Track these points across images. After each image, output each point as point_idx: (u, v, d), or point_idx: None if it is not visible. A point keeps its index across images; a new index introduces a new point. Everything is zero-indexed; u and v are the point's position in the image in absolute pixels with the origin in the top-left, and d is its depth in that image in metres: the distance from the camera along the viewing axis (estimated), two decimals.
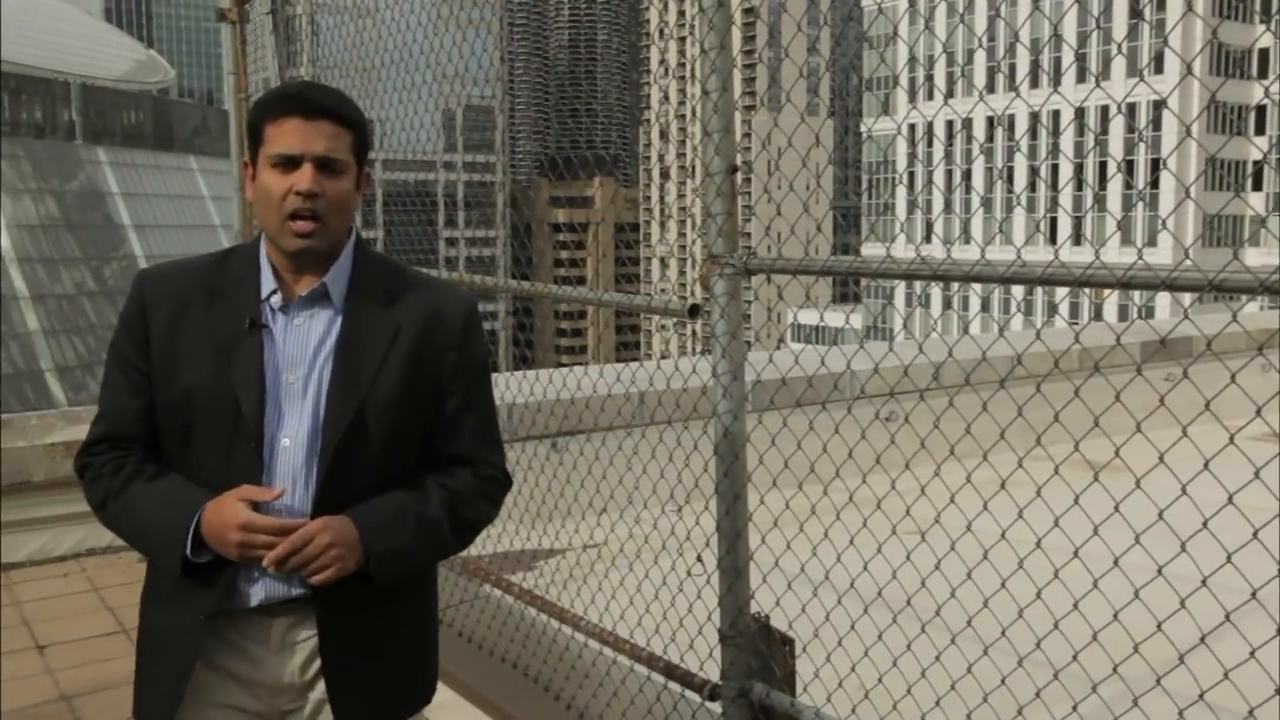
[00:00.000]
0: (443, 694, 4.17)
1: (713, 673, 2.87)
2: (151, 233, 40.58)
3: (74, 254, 38.30)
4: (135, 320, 1.98)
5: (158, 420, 1.98)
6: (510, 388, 5.18)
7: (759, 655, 2.74)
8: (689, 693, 2.97)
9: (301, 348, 1.96)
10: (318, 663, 1.99)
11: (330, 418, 1.93)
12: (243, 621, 1.97)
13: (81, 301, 37.72)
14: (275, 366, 1.93)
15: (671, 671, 3.02)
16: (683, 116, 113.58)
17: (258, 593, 1.96)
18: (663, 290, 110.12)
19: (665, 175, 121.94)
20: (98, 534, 5.56)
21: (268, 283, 1.97)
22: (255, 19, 5.16)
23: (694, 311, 2.73)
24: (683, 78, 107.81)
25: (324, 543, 1.87)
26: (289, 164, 1.91)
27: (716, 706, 2.85)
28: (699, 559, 3.24)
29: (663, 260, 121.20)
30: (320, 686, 2.00)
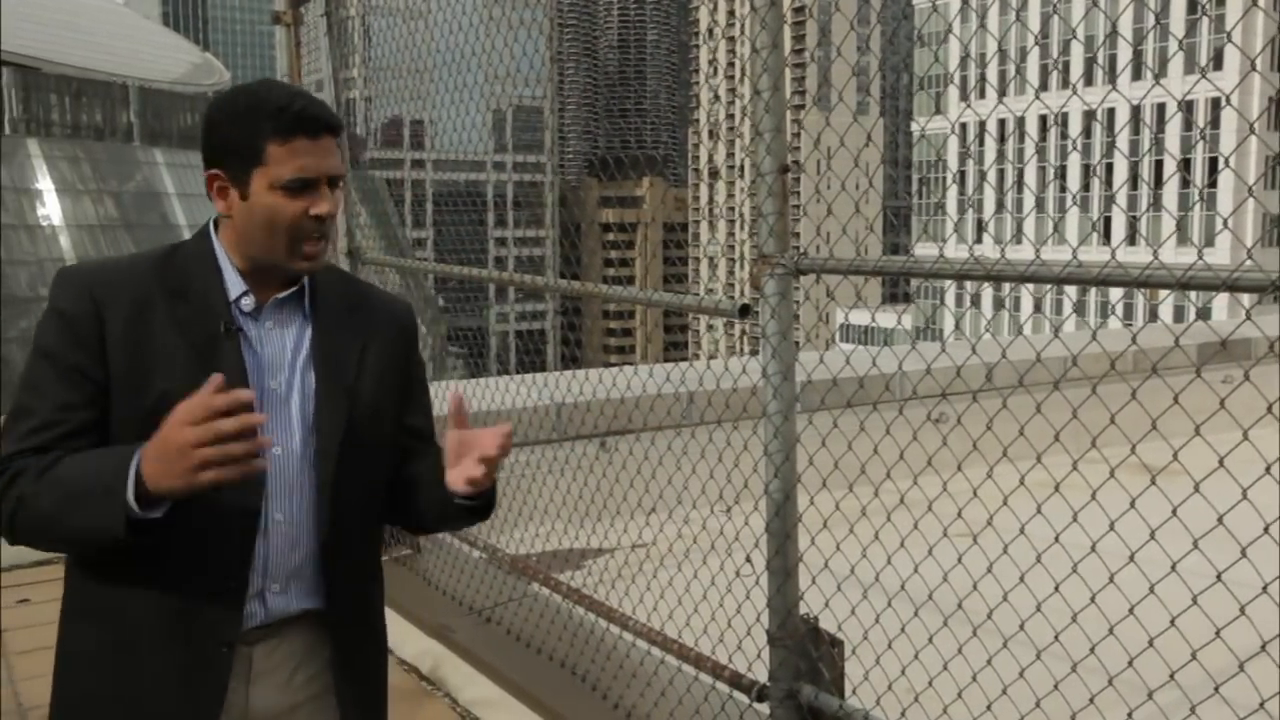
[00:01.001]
0: (491, 691, 4.20)
1: (761, 674, 2.86)
2: None
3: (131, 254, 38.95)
4: (85, 323, 1.75)
5: (115, 433, 1.75)
6: (559, 387, 5.20)
7: (808, 657, 2.73)
8: (737, 693, 2.97)
9: (279, 353, 1.87)
10: (295, 697, 1.91)
11: (323, 425, 1.87)
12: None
13: None
14: (258, 372, 1.83)
15: (719, 672, 3.01)
16: (732, 116, 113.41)
17: (258, 613, 1.85)
18: (711, 290, 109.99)
19: (714, 175, 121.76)
20: None
21: (235, 285, 1.84)
22: (309, 21, 5.22)
23: (744, 311, 2.72)
24: (732, 77, 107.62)
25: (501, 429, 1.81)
26: (302, 187, 1.79)
27: (765, 708, 2.84)
28: (748, 559, 3.23)
29: (711, 260, 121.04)
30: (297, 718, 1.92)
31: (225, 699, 1.80)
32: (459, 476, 1.81)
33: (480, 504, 1.90)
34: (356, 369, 1.93)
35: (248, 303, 1.84)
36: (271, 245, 1.81)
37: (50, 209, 37.64)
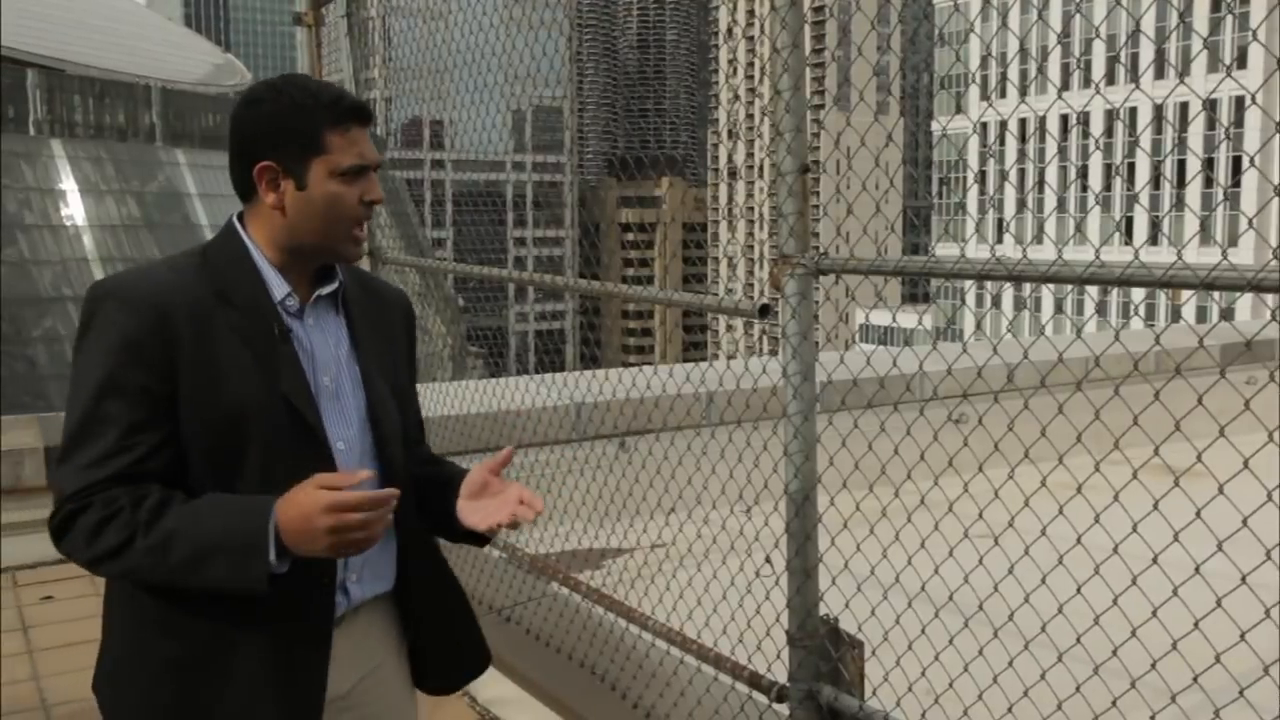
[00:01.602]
0: (510, 689, 4.20)
1: (780, 674, 2.85)
2: None
3: (153, 254, 39.19)
4: (151, 343, 1.73)
5: (186, 451, 1.77)
6: (579, 387, 5.20)
7: (827, 657, 2.72)
8: (756, 694, 2.96)
9: (326, 349, 1.92)
10: (359, 673, 1.98)
11: (378, 416, 1.95)
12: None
13: None
14: (311, 371, 1.87)
15: (739, 672, 3.01)
16: (751, 116, 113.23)
17: (341, 604, 1.92)
18: (730, 290, 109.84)
19: (734, 175, 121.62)
20: None
21: (279, 286, 1.87)
22: (330, 22, 5.24)
23: (764, 311, 2.71)
24: (751, 77, 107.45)
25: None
26: (358, 174, 1.85)
27: (784, 708, 2.84)
28: (768, 560, 3.23)
29: (730, 260, 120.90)
30: (350, 704, 1.97)
31: (325, 687, 1.87)
32: (480, 517, 1.93)
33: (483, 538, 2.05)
34: (392, 359, 2.03)
35: (292, 303, 1.88)
36: (328, 232, 1.86)
37: (74, 209, 37.91)
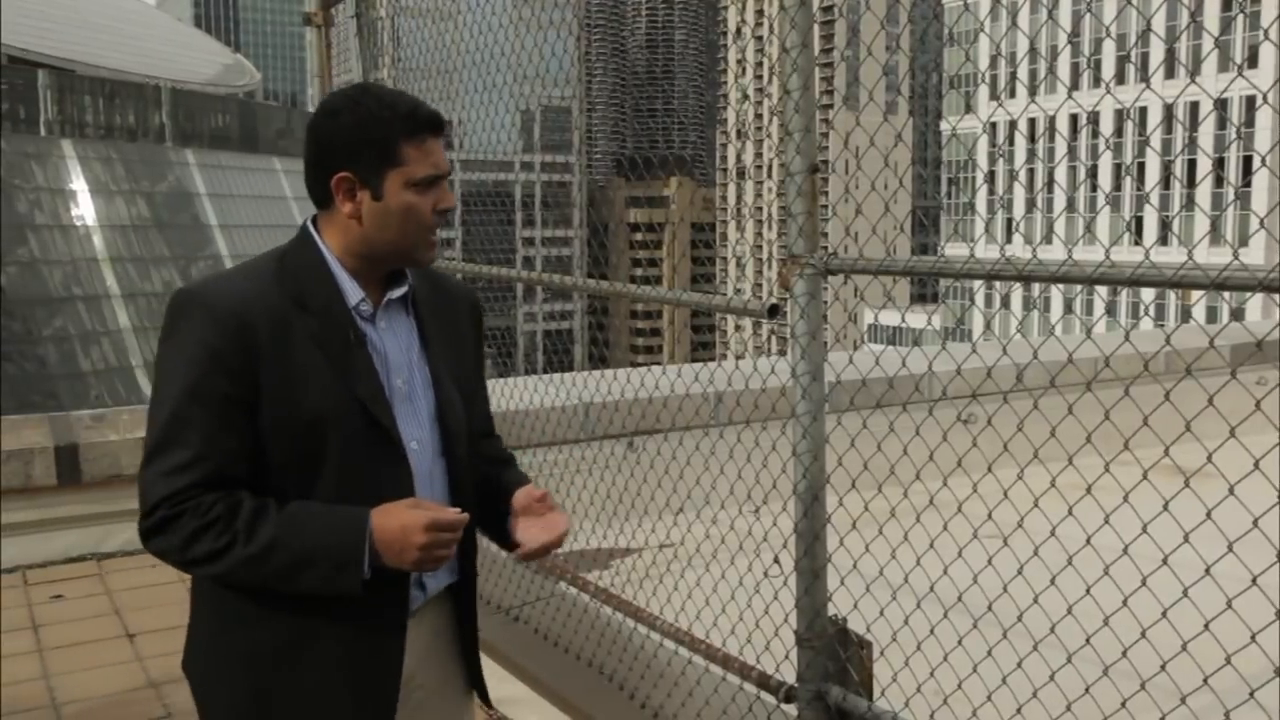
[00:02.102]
0: (518, 689, 4.21)
1: (789, 675, 2.85)
2: (237, 232, 41.50)
3: (163, 253, 39.29)
4: (234, 352, 1.80)
5: (267, 455, 1.84)
6: (587, 387, 5.20)
7: (836, 658, 2.72)
8: (765, 694, 2.96)
9: (398, 352, 1.98)
10: (417, 658, 2.05)
11: (450, 416, 2.01)
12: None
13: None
14: (385, 373, 1.94)
15: (747, 673, 3.01)
16: (760, 116, 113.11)
17: (418, 598, 2.01)
18: (739, 290, 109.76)
19: (742, 175, 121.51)
20: None
21: (354, 291, 1.94)
22: (340, 23, 5.25)
23: (774, 311, 2.71)
24: (760, 77, 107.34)
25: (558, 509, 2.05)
26: (432, 184, 1.91)
27: (792, 709, 2.83)
28: (776, 560, 3.23)
29: (739, 260, 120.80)
30: (418, 684, 2.06)
31: (401, 674, 1.96)
32: (531, 535, 2.04)
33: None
34: (460, 358, 2.09)
35: (366, 308, 1.94)
36: (403, 241, 1.92)
37: (84, 209, 38.00)
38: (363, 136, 1.87)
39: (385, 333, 1.97)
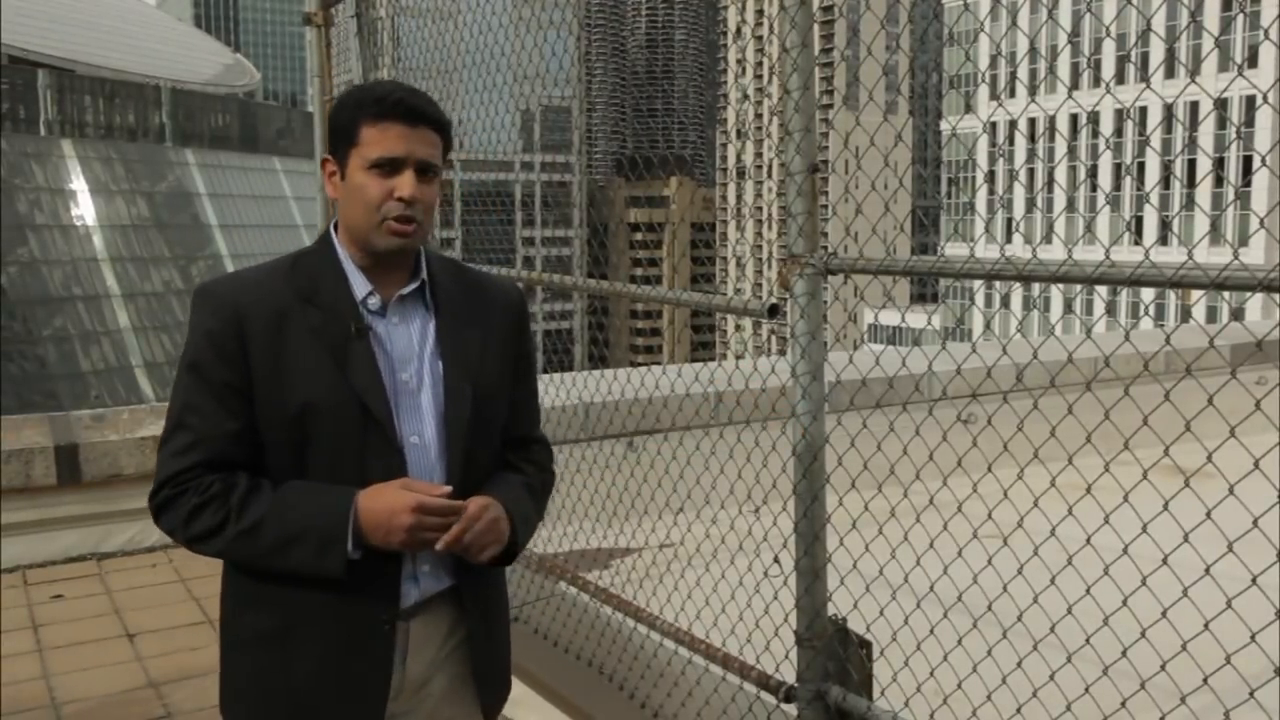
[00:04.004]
0: (518, 689, 4.20)
1: (789, 674, 2.85)
2: (236, 232, 41.50)
3: (163, 253, 39.33)
4: (229, 338, 1.88)
5: (263, 440, 1.91)
6: (587, 387, 5.19)
7: (836, 658, 2.72)
8: (764, 694, 2.96)
9: (408, 346, 1.99)
10: (428, 661, 2.05)
11: (454, 412, 2.00)
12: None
13: (169, 299, 38.70)
14: (389, 367, 1.95)
15: (747, 673, 3.00)
16: (760, 116, 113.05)
17: (412, 593, 2.00)
18: (739, 290, 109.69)
19: (742, 175, 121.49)
20: None
21: (361, 285, 1.97)
22: (340, 23, 5.24)
23: (774, 311, 2.71)
24: (760, 77, 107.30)
25: (493, 517, 1.95)
26: (390, 167, 1.91)
27: (792, 709, 2.83)
28: (776, 560, 3.22)
29: (739, 260, 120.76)
30: (433, 685, 2.06)
31: (391, 671, 1.96)
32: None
33: (520, 543, 2.11)
34: (480, 355, 2.06)
35: (374, 301, 1.97)
36: (360, 222, 1.94)
37: (84, 209, 38.02)
38: (336, 120, 1.97)
39: (396, 327, 1.98)
